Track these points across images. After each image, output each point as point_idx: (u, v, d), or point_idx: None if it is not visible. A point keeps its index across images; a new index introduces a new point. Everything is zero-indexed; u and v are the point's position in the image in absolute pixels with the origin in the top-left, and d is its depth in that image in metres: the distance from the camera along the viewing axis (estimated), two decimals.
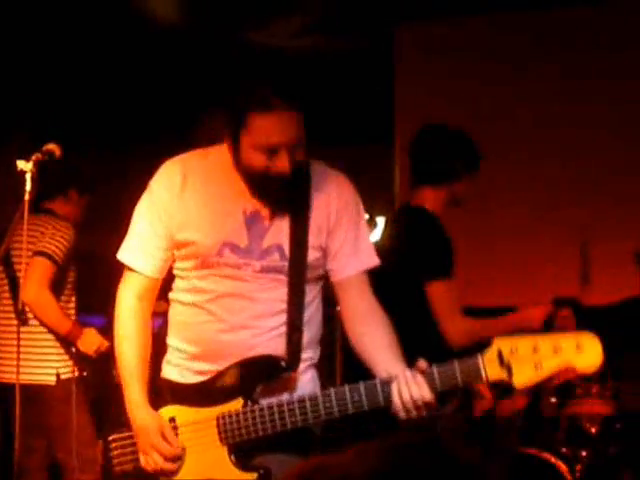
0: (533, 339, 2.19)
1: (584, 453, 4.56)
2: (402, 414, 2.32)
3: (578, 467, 4.49)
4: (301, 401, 2.39)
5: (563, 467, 4.35)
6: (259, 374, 2.47)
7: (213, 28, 6.32)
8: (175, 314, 2.63)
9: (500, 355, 2.19)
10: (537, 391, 5.22)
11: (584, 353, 2.16)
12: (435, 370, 2.30)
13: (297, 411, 2.38)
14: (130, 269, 2.59)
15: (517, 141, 6.34)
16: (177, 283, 2.62)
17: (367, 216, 7.16)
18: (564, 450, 4.54)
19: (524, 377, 2.18)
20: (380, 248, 3.19)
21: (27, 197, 2.89)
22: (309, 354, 2.61)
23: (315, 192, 2.51)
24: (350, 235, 2.55)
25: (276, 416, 2.39)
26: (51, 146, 2.99)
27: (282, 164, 2.35)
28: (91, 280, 4.55)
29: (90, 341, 4.26)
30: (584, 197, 6.13)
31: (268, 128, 2.31)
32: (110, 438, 2.61)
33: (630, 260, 5.17)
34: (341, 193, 2.56)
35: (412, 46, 6.73)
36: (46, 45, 6.13)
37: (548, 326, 3.64)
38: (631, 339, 5.24)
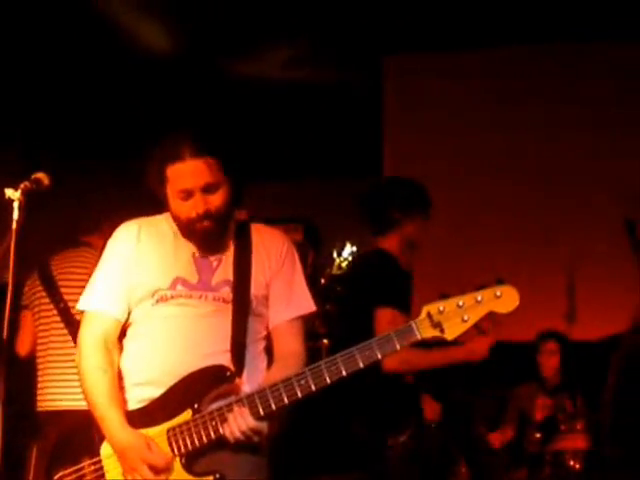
0: (457, 298, 2.50)
1: None
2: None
3: None
4: (238, 401, 2.50)
5: None
6: (205, 384, 2.58)
7: (201, 60, 6.36)
8: (128, 351, 2.72)
9: (430, 316, 2.49)
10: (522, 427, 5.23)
11: (502, 298, 2.49)
12: (374, 341, 2.50)
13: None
14: (92, 314, 2.71)
15: (504, 174, 6.37)
16: (131, 329, 2.73)
17: (354, 249, 7.17)
18: None
19: (455, 329, 2.50)
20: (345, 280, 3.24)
21: (14, 226, 2.87)
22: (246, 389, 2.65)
23: (255, 246, 2.77)
24: (284, 287, 2.77)
25: (217, 420, 2.51)
26: (39, 175, 2.96)
27: (196, 206, 2.60)
28: None
29: None
30: (572, 230, 6.17)
31: (180, 175, 2.59)
32: (56, 477, 2.64)
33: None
34: (278, 247, 2.79)
35: (400, 78, 6.79)
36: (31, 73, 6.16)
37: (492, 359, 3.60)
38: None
